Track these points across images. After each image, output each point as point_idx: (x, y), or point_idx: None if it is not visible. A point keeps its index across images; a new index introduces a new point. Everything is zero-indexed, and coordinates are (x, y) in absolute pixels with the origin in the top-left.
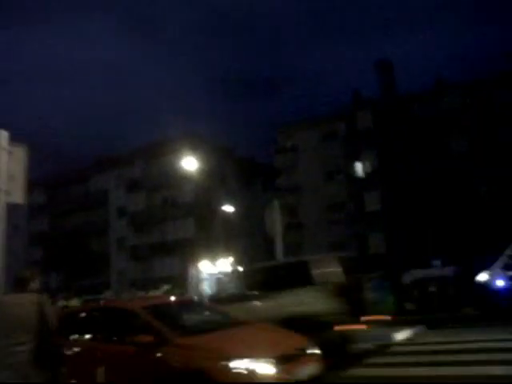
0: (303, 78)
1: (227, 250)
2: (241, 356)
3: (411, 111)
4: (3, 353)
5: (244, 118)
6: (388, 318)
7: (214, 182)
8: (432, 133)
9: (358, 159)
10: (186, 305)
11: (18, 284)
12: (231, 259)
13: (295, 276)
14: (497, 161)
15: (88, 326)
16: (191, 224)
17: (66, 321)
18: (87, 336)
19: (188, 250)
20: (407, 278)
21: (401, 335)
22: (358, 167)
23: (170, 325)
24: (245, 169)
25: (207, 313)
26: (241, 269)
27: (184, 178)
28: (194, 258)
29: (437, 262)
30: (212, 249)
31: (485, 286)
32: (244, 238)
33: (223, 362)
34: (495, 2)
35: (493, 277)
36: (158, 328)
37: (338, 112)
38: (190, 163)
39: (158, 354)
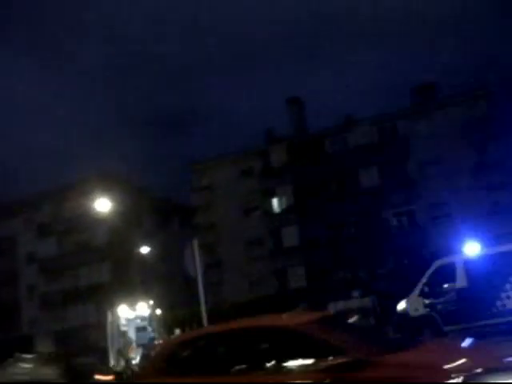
0: (215, 115)
1: (145, 292)
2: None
3: (323, 147)
4: None
5: (157, 157)
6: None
7: (129, 223)
8: (343, 167)
9: (274, 195)
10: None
11: None
12: (150, 302)
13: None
14: (404, 194)
15: (216, 356)
16: (106, 268)
17: (176, 354)
18: (220, 368)
19: (103, 295)
20: (330, 310)
21: None
22: (275, 203)
23: (352, 341)
24: (161, 209)
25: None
26: (159, 312)
27: (97, 220)
28: (110, 302)
29: (356, 293)
30: (130, 292)
31: (404, 314)
32: (163, 279)
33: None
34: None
35: (411, 305)
36: (343, 346)
37: (253, 149)
38: (102, 205)
39: (366, 375)
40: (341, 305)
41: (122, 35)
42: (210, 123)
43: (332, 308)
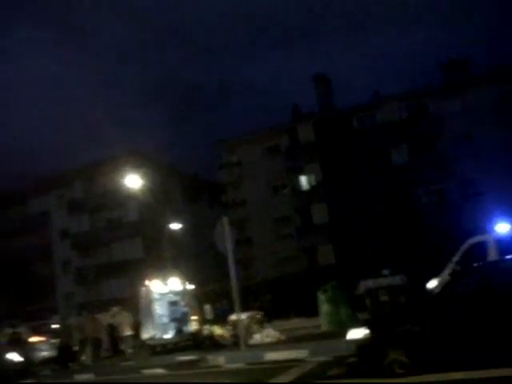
0: (243, 92)
1: (177, 268)
2: None
3: (351, 124)
4: None
5: (185, 134)
6: None
7: (159, 199)
8: (372, 144)
9: (302, 172)
10: None
11: None
12: (182, 278)
13: None
14: (435, 172)
15: None
16: (138, 244)
17: None
18: None
19: (136, 271)
20: (360, 289)
21: None
22: (303, 180)
23: None
24: (190, 185)
25: None
26: (191, 287)
27: (128, 196)
28: (143, 278)
29: (386, 271)
30: (161, 268)
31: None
32: (193, 255)
33: None
34: (430, 13)
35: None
36: None
37: (280, 126)
38: (133, 181)
39: None
40: (371, 283)
41: (148, 9)
42: (238, 100)
43: (362, 286)
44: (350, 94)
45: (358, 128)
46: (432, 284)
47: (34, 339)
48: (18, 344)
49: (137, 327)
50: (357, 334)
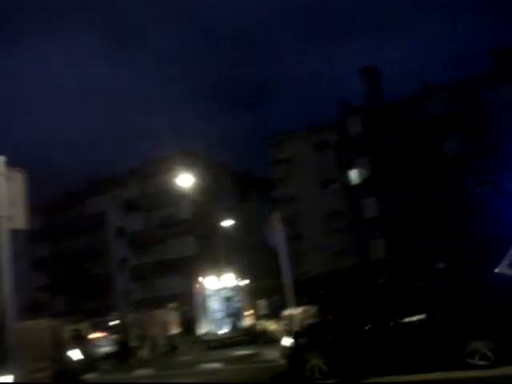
0: (291, 89)
1: (229, 264)
2: None
3: (400, 116)
4: (25, 379)
5: (234, 132)
6: None
7: (211, 197)
8: (423, 136)
9: (352, 167)
10: None
11: (35, 309)
12: (235, 274)
13: None
14: (488, 162)
15: None
16: (191, 241)
17: None
18: None
19: (190, 267)
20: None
21: None
22: (353, 175)
23: None
24: (240, 182)
25: None
26: (244, 283)
27: (180, 195)
28: (196, 274)
29: (440, 265)
30: (214, 264)
31: None
32: (245, 251)
33: None
34: (479, 2)
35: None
36: None
37: (328, 121)
38: (185, 180)
39: None
40: None
41: (199, 11)
42: (286, 96)
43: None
44: (398, 86)
45: (408, 120)
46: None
47: (94, 335)
48: (79, 340)
49: (186, 324)
50: (286, 342)
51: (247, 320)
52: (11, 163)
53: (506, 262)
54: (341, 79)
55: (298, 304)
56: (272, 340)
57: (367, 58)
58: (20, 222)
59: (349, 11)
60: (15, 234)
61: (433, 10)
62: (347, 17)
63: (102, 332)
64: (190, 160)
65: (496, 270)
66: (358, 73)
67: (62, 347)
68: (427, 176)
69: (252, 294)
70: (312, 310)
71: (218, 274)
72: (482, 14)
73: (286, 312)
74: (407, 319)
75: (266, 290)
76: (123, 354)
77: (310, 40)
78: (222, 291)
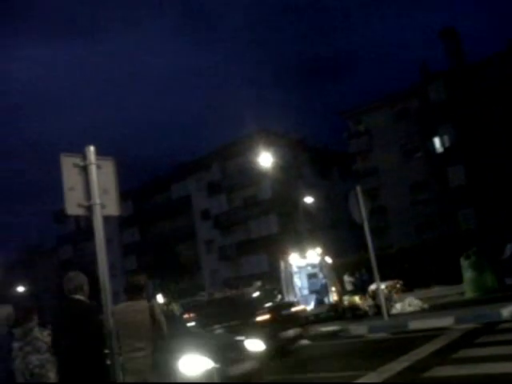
0: (366, 57)
1: (313, 241)
2: None
3: (484, 78)
4: (123, 359)
5: (311, 106)
6: None
7: (291, 175)
8: (510, 97)
9: (436, 134)
10: None
11: (134, 291)
12: (319, 250)
13: None
14: None
15: None
16: (273, 220)
17: None
18: None
19: (273, 246)
20: (506, 252)
21: (508, 312)
22: (437, 143)
23: None
24: (319, 158)
25: None
26: (329, 259)
27: (261, 174)
28: (280, 252)
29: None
30: (298, 242)
31: None
32: (327, 227)
33: None
34: None
35: None
36: None
37: (408, 88)
38: (265, 159)
39: None
40: None
41: None
42: (362, 66)
43: (509, 249)
44: (480, 47)
45: (493, 81)
46: None
47: (185, 315)
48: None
49: None
50: None
51: (333, 296)
52: (101, 153)
53: None
54: (420, 44)
55: (384, 278)
56: (359, 316)
57: (444, 20)
58: (112, 208)
59: None
60: (107, 221)
61: None
62: None
63: (192, 312)
64: (269, 139)
65: None
66: (437, 37)
67: (159, 328)
68: None
69: (337, 270)
70: (398, 284)
71: (302, 252)
72: None
73: (372, 287)
74: None
75: (351, 265)
76: None
77: (384, 6)
78: (307, 268)
